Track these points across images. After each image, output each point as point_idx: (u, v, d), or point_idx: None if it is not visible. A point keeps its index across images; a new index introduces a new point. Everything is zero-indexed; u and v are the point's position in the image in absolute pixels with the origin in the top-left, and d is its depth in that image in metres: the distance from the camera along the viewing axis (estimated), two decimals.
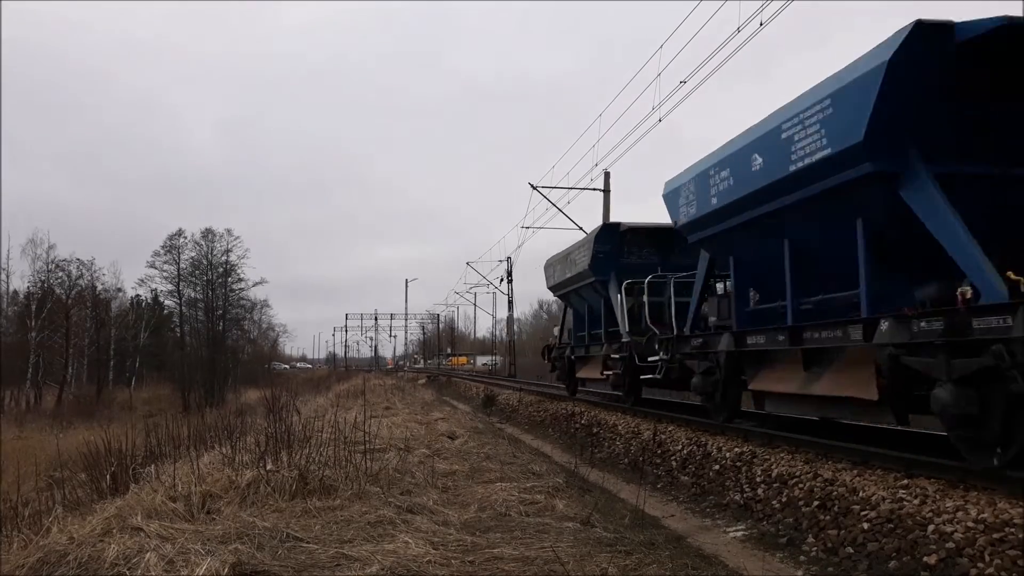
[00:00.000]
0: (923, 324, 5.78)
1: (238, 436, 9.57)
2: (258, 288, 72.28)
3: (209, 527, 5.18)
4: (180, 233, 61.00)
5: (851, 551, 5.39)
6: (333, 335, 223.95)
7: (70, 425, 28.92)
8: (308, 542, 4.91)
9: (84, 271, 53.54)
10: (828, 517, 5.97)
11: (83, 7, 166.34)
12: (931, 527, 5.00)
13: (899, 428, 7.47)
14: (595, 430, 12.90)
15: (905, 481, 5.96)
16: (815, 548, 5.71)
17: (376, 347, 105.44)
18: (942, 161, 6.09)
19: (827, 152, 6.72)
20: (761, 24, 13.13)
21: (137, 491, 6.45)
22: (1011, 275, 5.24)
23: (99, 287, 55.55)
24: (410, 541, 4.84)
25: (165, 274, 61.08)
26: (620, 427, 12.33)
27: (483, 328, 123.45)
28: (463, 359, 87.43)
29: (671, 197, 10.49)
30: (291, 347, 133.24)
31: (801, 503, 6.43)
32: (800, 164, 7.17)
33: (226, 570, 4.18)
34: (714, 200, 9.04)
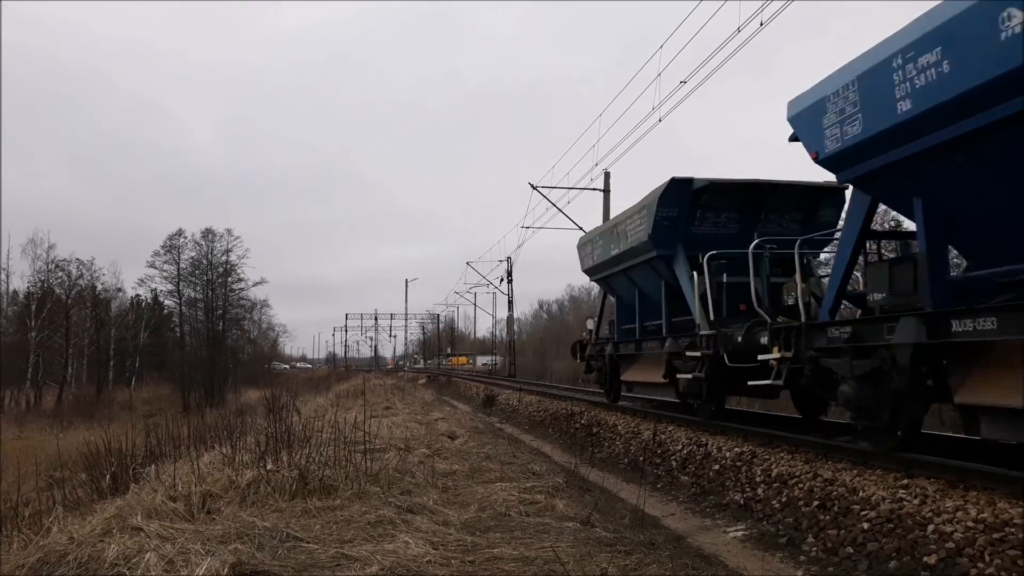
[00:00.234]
0: None
1: (238, 436, 9.56)
2: (258, 288, 72.45)
3: (209, 527, 5.18)
4: (180, 233, 60.93)
5: (851, 551, 5.39)
6: (333, 335, 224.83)
7: (70, 425, 28.91)
8: (308, 542, 4.91)
9: (84, 271, 53.56)
10: (828, 517, 5.97)
11: (83, 8, 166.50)
12: (931, 527, 5.01)
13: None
14: (595, 430, 12.91)
15: (905, 481, 5.96)
16: (815, 548, 5.71)
17: (376, 347, 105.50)
18: None
19: None
20: (761, 24, 13.11)
21: (137, 491, 6.45)
22: None
23: (99, 287, 55.57)
24: (410, 541, 4.84)
25: (165, 274, 61.03)
26: (620, 427, 12.34)
27: (483, 328, 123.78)
28: (463, 359, 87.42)
29: (807, 117, 7.30)
30: (291, 347, 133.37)
31: (801, 503, 6.44)
32: None
33: (226, 570, 4.18)
34: (906, 104, 5.94)
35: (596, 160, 41.25)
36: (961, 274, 6.70)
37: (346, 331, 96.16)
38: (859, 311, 7.86)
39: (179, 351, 56.63)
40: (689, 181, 11.05)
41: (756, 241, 9.20)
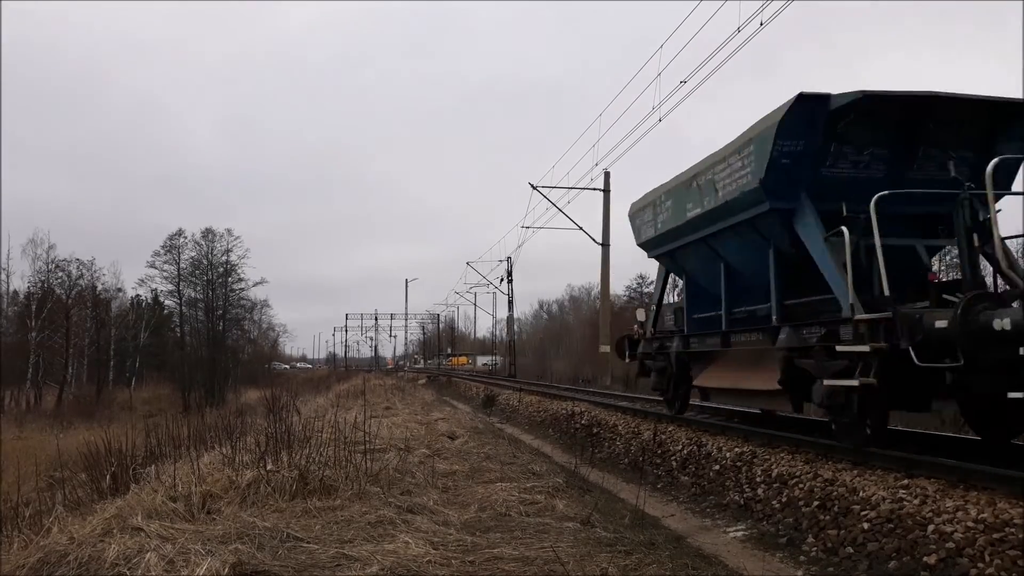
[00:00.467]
0: None
1: (238, 436, 9.56)
2: (258, 288, 72.19)
3: (209, 527, 5.18)
4: (180, 233, 60.96)
5: (851, 551, 5.39)
6: (333, 335, 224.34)
7: (70, 425, 28.94)
8: (308, 542, 4.91)
9: (84, 271, 53.61)
10: (828, 517, 5.98)
11: (83, 7, 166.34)
12: (931, 527, 5.01)
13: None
14: (595, 430, 12.91)
15: (905, 481, 5.96)
16: (815, 548, 5.71)
17: (376, 347, 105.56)
18: None
19: None
20: (761, 24, 13.15)
21: (137, 491, 6.45)
22: None
23: (99, 287, 55.62)
24: (410, 541, 4.85)
25: (165, 274, 61.05)
26: (620, 427, 12.34)
27: (483, 328, 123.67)
28: (463, 359, 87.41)
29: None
30: (291, 347, 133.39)
31: (801, 503, 6.44)
32: None
33: (226, 570, 4.19)
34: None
35: (596, 160, 41.12)
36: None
37: (346, 331, 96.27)
38: None
39: (179, 351, 56.68)
40: (825, 98, 7.56)
41: (968, 185, 6.76)
